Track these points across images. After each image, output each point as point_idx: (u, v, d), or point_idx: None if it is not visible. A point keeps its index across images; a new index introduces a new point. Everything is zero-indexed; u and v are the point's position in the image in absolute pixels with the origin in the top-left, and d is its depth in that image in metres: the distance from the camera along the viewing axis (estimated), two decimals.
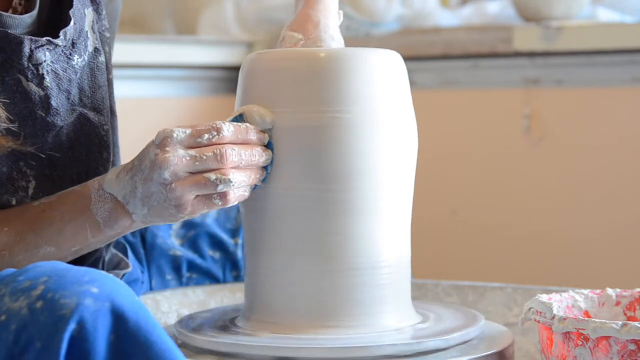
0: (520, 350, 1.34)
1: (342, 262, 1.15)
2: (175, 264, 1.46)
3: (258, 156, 1.12)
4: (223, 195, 1.10)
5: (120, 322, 0.93)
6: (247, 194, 1.12)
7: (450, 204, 2.28)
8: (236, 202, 1.11)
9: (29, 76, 1.15)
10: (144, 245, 1.48)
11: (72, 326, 0.91)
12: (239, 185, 1.10)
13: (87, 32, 1.22)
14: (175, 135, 1.09)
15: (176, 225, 1.51)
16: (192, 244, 1.48)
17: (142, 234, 1.49)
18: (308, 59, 1.16)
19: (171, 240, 1.48)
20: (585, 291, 1.20)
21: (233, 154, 1.09)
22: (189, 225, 1.50)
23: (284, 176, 1.14)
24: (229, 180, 1.08)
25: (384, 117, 1.15)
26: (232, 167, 1.09)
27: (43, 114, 1.17)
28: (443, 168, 2.26)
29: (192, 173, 1.09)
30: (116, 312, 0.93)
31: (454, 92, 2.28)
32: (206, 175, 1.08)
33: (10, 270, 1.03)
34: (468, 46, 2.23)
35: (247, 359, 1.11)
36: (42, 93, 1.17)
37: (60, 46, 1.18)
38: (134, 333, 0.93)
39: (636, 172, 2.11)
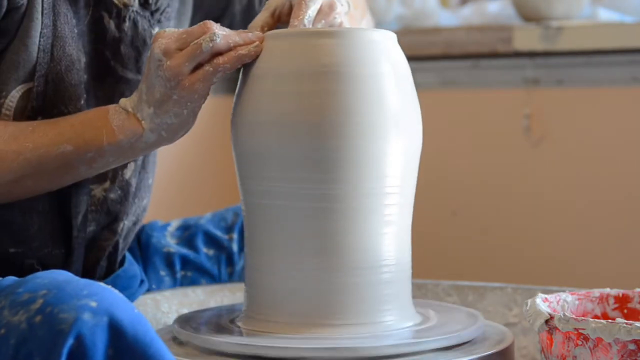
0: (520, 350, 1.34)
1: (343, 262, 1.14)
2: (169, 260, 1.47)
3: (240, 40, 1.16)
4: (213, 61, 1.14)
5: (118, 336, 0.93)
6: (230, 66, 1.16)
7: (451, 204, 2.28)
8: (227, 69, 1.16)
9: (113, 14, 1.26)
10: (139, 246, 1.48)
11: (70, 341, 0.91)
12: (225, 45, 1.14)
13: (171, 20, 1.35)
14: (167, 30, 1.16)
15: (172, 227, 1.51)
16: (188, 242, 1.49)
17: (138, 235, 1.49)
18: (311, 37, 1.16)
19: (166, 240, 1.49)
20: (585, 291, 1.20)
21: (217, 26, 1.15)
22: (184, 227, 1.51)
23: (284, 174, 1.14)
24: (213, 34, 1.13)
25: (390, 109, 1.15)
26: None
27: (109, 56, 1.27)
28: (443, 168, 2.26)
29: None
30: (114, 326, 0.93)
31: (454, 92, 2.28)
32: (194, 42, 1.14)
33: (10, 280, 1.03)
34: (468, 46, 2.23)
35: (246, 359, 1.11)
36: (117, 35, 1.27)
37: (148, 8, 1.30)
38: (132, 347, 0.93)
39: (636, 172, 2.11)
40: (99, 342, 0.92)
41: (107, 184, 1.28)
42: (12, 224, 1.22)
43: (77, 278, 0.98)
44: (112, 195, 1.29)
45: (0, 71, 1.19)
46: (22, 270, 1.22)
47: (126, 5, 1.27)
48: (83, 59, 1.24)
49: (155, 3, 1.32)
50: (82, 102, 1.23)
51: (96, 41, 1.26)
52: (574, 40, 2.13)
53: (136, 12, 1.29)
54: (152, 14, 1.31)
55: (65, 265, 1.26)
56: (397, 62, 1.18)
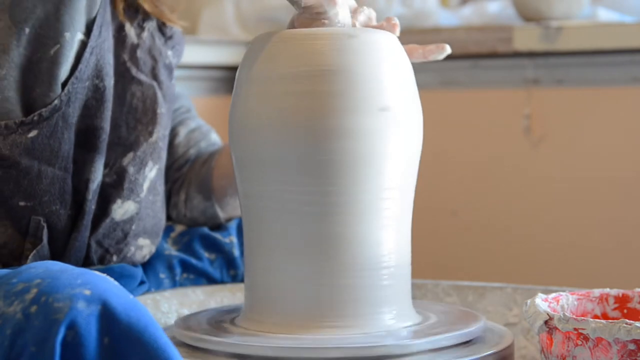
0: (520, 350, 1.34)
1: (342, 262, 1.14)
2: (169, 263, 1.47)
3: None
4: None
5: (112, 324, 0.93)
6: None
7: (451, 204, 2.28)
8: None
9: (134, 24, 1.38)
10: None
11: (65, 330, 0.91)
12: None
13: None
14: None
15: (174, 234, 1.51)
16: (188, 247, 1.49)
17: None
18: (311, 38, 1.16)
19: (167, 245, 1.49)
20: (585, 291, 1.20)
21: None
22: (183, 233, 1.51)
23: (283, 175, 1.14)
24: None
25: (389, 110, 1.15)
26: None
27: (126, 58, 1.35)
28: (443, 168, 2.26)
29: None
30: (108, 313, 0.93)
31: (454, 92, 2.28)
32: None
33: (4, 271, 1.04)
34: (468, 46, 2.23)
35: (246, 359, 1.11)
36: (135, 42, 1.38)
37: (164, 34, 1.43)
38: (127, 334, 0.93)
39: (636, 172, 2.11)
40: (93, 331, 0.92)
41: (107, 169, 1.33)
42: (27, 174, 1.24)
43: (71, 267, 0.98)
44: (107, 179, 1.33)
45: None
46: (28, 227, 1.25)
47: (147, 15, 1.39)
48: None
49: (170, 29, 1.43)
50: None
51: (115, 46, 1.34)
52: (574, 40, 2.13)
53: (154, 29, 1.40)
54: (166, 40, 1.42)
55: (72, 230, 1.29)
56: (397, 63, 1.18)
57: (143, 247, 1.38)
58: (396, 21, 1.27)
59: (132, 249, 1.36)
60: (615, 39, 2.10)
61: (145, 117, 1.37)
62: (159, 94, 1.39)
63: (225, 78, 2.38)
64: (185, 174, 1.53)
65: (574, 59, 2.16)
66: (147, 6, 1.38)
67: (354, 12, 1.25)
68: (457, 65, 2.26)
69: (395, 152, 1.15)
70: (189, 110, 1.58)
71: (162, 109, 1.39)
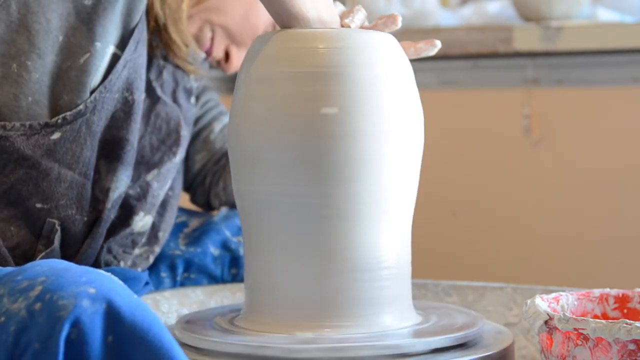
0: (520, 350, 1.34)
1: (342, 262, 1.14)
2: (171, 263, 1.48)
3: None
4: None
5: (117, 323, 0.93)
6: None
7: (450, 204, 2.28)
8: None
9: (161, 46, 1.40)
10: None
11: (69, 328, 0.91)
12: None
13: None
14: None
15: (187, 229, 1.52)
16: (196, 241, 1.50)
17: None
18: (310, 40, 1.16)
19: (176, 242, 1.49)
20: (585, 291, 1.20)
21: None
22: (196, 228, 1.52)
23: (283, 176, 1.14)
24: None
25: (389, 111, 1.15)
26: None
27: (152, 78, 1.38)
28: (443, 168, 2.26)
29: None
30: (112, 312, 0.93)
31: (454, 92, 2.28)
32: None
33: (8, 268, 1.04)
34: (468, 46, 2.23)
35: (245, 359, 1.11)
36: (161, 63, 1.40)
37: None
38: (131, 333, 0.93)
39: (636, 172, 2.11)
40: (98, 329, 0.92)
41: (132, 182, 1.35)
42: (47, 176, 1.25)
43: (75, 265, 0.99)
44: (131, 191, 1.35)
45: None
46: (42, 229, 1.26)
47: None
48: None
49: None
50: None
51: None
52: (574, 40, 2.13)
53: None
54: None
55: (86, 235, 1.30)
56: (396, 64, 1.18)
57: (141, 254, 1.40)
58: (396, 15, 1.28)
59: (137, 259, 1.39)
60: (615, 39, 2.10)
61: (169, 139, 1.40)
62: (181, 117, 1.42)
63: (226, 78, 2.38)
64: (223, 166, 1.59)
65: (574, 59, 2.16)
66: (170, 55, 1.41)
67: (348, 13, 1.25)
68: (457, 65, 2.26)
69: (395, 153, 1.15)
70: (218, 104, 1.64)
71: (185, 132, 1.43)
